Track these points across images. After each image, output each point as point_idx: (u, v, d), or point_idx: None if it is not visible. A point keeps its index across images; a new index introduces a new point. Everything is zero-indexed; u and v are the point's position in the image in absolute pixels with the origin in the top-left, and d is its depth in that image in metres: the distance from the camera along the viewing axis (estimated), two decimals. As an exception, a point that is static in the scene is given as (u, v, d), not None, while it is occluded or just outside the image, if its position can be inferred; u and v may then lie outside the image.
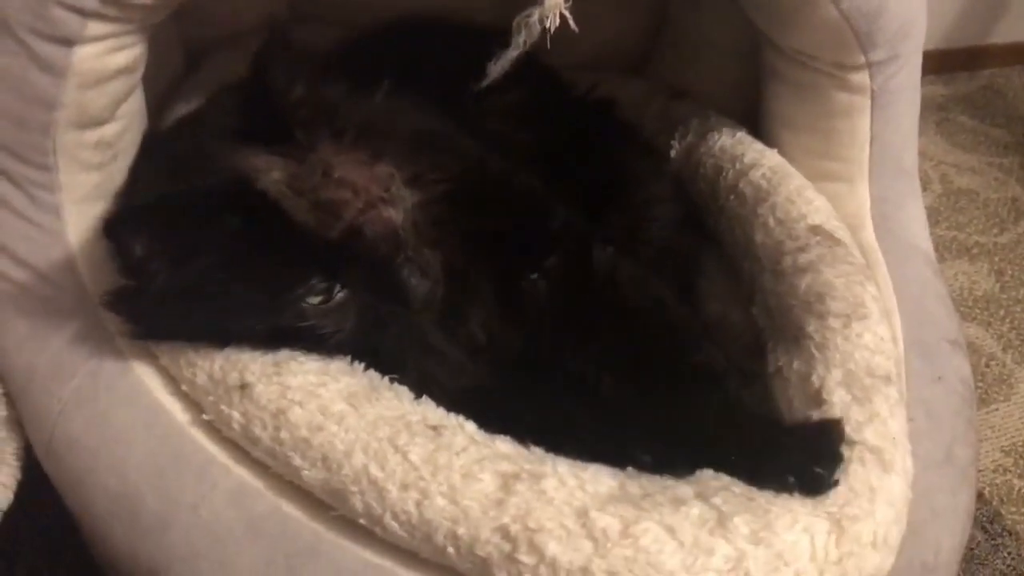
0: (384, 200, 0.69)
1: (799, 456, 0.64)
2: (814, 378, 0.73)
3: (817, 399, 0.71)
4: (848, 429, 0.67)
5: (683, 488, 0.62)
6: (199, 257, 0.63)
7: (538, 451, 0.65)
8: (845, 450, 0.65)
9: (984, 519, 1.24)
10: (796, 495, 0.61)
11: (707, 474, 0.63)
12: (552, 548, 0.58)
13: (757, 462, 0.64)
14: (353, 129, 0.69)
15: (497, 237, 0.77)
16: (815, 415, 0.70)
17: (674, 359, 0.76)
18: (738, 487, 0.62)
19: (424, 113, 0.81)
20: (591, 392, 0.75)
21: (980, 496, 1.27)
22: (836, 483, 0.63)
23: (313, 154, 0.67)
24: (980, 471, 1.31)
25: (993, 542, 1.22)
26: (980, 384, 1.45)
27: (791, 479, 0.62)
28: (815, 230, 0.87)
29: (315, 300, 0.68)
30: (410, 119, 0.78)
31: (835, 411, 0.69)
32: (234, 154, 0.66)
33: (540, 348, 0.77)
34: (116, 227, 0.64)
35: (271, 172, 0.66)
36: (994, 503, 1.27)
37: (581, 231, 0.83)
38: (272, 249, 0.65)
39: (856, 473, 0.64)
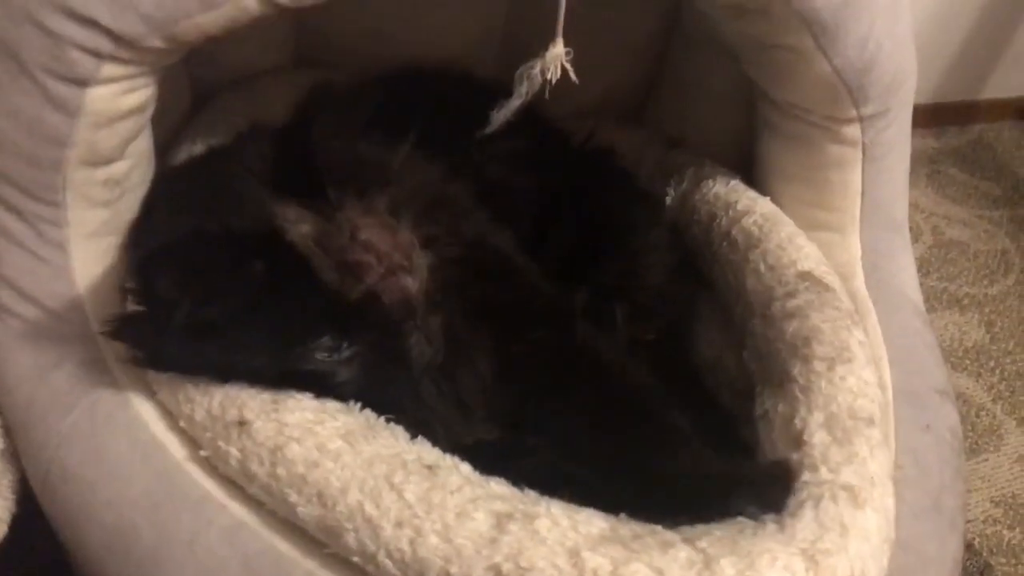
0: (404, 268, 0.70)
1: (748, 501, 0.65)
2: (796, 420, 0.73)
3: (798, 441, 0.72)
4: (826, 469, 0.68)
5: (670, 532, 0.62)
6: (222, 298, 0.64)
7: (532, 493, 0.65)
8: (818, 488, 0.66)
9: (974, 570, 1.24)
10: (771, 533, 0.62)
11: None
12: (544, 588, 0.58)
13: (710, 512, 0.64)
14: (377, 189, 0.70)
15: (492, 306, 0.78)
16: (795, 457, 0.70)
17: (641, 421, 0.76)
18: (720, 530, 0.62)
19: (440, 175, 0.82)
20: (574, 451, 0.74)
21: (970, 547, 1.27)
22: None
23: (341, 212, 0.68)
24: (970, 522, 1.30)
25: (984, 593, 1.22)
26: (970, 434, 1.45)
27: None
28: (804, 276, 0.88)
29: (323, 354, 0.68)
30: (429, 182, 0.79)
31: (815, 453, 0.70)
32: (266, 201, 0.67)
33: (528, 409, 0.77)
34: (146, 259, 0.65)
35: (301, 225, 0.67)
36: (984, 554, 1.27)
37: (567, 309, 0.84)
38: (291, 300, 0.66)
39: (827, 509, 0.64)
